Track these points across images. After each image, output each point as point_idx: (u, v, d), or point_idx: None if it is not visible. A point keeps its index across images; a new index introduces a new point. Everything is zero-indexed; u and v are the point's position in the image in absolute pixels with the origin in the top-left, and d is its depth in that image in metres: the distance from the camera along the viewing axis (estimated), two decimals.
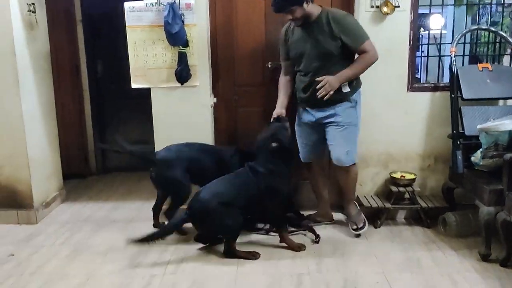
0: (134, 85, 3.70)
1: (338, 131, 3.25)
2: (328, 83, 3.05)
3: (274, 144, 3.15)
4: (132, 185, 4.84)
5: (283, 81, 3.45)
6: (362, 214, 3.50)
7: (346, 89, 3.18)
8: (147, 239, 3.00)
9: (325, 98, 3.08)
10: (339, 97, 3.18)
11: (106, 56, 5.15)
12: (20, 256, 3.28)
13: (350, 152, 3.27)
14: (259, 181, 3.13)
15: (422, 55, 4.24)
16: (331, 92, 3.06)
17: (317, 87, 3.08)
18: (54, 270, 3.08)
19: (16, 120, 3.69)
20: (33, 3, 3.85)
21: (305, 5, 3.05)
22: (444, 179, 3.66)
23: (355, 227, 3.42)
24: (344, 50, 3.14)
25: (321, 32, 3.12)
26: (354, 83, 3.23)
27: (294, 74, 3.39)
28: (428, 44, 3.84)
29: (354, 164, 3.34)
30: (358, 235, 3.41)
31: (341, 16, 3.13)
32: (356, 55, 3.18)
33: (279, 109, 3.37)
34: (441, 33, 3.85)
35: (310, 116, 3.34)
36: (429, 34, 3.99)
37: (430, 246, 3.29)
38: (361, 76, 3.28)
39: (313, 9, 3.12)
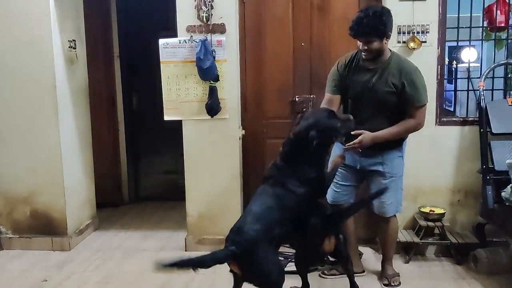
0: (166, 118, 3.82)
1: (383, 181, 3.03)
2: (361, 143, 2.83)
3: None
4: (163, 214, 4.93)
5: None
6: (399, 277, 3.24)
7: None
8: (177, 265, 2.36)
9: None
10: (388, 144, 2.98)
11: (141, 89, 5.36)
12: (53, 282, 3.38)
13: (393, 203, 3.10)
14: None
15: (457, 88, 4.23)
16: (360, 150, 2.89)
17: (348, 145, 2.86)
18: None
19: (54, 150, 3.87)
20: (74, 40, 4.08)
21: (385, 40, 2.84)
22: (474, 214, 3.60)
23: (386, 282, 3.20)
24: (400, 104, 2.94)
25: (387, 78, 2.90)
26: None
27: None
28: (456, 78, 3.84)
29: (395, 215, 3.19)
30: None
31: (413, 69, 2.93)
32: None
33: None
34: (469, 68, 3.84)
35: (353, 160, 3.09)
36: (457, 67, 3.99)
37: (460, 283, 3.23)
38: None
39: (387, 48, 2.93)
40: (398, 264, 3.45)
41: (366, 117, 2.97)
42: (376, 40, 2.80)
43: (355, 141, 2.82)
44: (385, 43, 2.85)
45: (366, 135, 2.85)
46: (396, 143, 3.02)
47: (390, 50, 2.98)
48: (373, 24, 2.76)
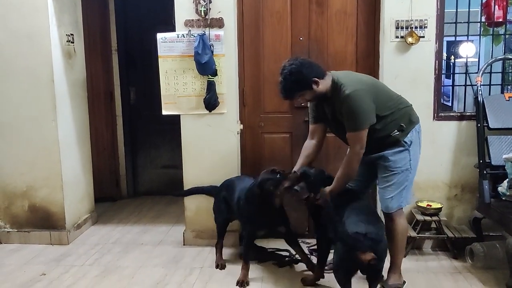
0: (164, 112, 3.82)
1: (386, 175, 2.92)
2: (322, 200, 2.88)
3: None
4: (161, 209, 4.95)
5: (306, 144, 3.17)
6: None
7: (395, 133, 2.87)
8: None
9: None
10: (388, 141, 2.88)
11: (139, 84, 5.35)
12: (51, 276, 3.39)
13: (395, 198, 2.92)
14: None
15: (454, 83, 4.24)
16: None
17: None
18: None
19: (53, 144, 3.87)
20: (72, 34, 4.07)
21: (314, 86, 2.80)
22: (471, 209, 3.62)
23: None
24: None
25: (339, 108, 2.83)
26: (405, 125, 2.88)
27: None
28: (454, 73, 3.85)
29: (401, 214, 2.98)
30: None
31: (345, 96, 2.75)
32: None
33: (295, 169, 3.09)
34: (466, 63, 3.84)
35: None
36: (454, 62, 3.99)
37: (456, 277, 3.25)
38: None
39: (325, 85, 2.84)
40: None
41: (344, 140, 2.96)
42: (305, 93, 2.85)
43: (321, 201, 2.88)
44: (317, 88, 2.81)
45: (322, 193, 2.89)
46: (395, 139, 2.87)
47: (333, 78, 2.84)
48: (290, 86, 2.82)
